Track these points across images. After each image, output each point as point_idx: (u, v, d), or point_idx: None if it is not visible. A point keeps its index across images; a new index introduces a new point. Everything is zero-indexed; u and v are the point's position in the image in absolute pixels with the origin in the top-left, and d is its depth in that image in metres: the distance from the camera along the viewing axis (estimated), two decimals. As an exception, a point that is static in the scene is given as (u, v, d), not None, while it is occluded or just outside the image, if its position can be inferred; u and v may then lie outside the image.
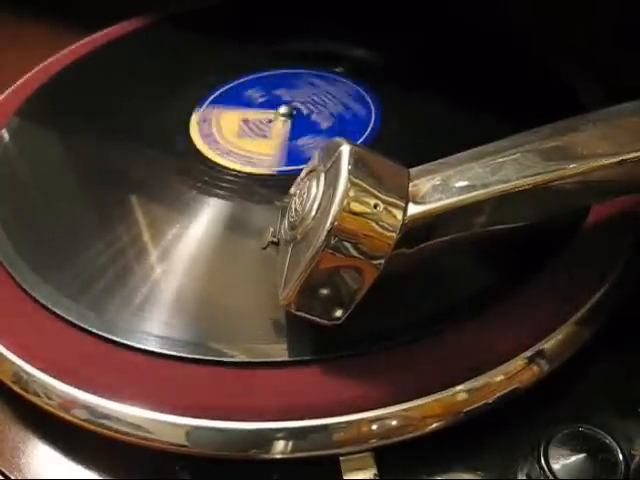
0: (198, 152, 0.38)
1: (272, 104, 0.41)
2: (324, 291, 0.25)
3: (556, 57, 0.43)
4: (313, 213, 0.26)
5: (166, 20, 0.51)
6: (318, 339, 0.27)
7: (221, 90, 0.42)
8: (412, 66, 0.44)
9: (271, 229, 0.29)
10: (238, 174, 0.36)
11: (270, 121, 0.40)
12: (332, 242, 0.24)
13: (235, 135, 0.39)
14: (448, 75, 0.42)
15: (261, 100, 0.41)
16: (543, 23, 0.44)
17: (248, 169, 0.36)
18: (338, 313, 0.26)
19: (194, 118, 0.40)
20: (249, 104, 0.41)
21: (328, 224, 0.24)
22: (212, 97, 0.42)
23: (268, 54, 0.46)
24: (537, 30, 0.44)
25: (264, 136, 0.39)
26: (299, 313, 0.26)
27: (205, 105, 0.41)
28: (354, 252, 0.25)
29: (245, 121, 0.40)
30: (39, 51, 0.47)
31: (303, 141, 0.38)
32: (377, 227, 0.25)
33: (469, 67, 0.43)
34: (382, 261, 0.25)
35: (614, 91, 0.36)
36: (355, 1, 0.51)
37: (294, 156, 0.37)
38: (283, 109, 0.40)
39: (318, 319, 0.26)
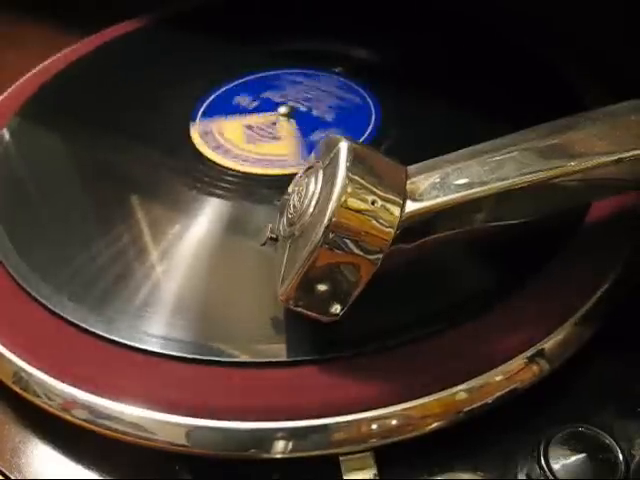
0: (210, 161, 0.37)
1: (266, 107, 0.40)
2: (322, 287, 0.25)
3: (556, 55, 0.43)
4: (311, 209, 0.26)
5: (166, 20, 0.51)
6: (318, 339, 0.27)
7: (209, 100, 0.41)
8: (410, 65, 0.44)
9: (270, 225, 0.29)
10: (263, 178, 0.35)
11: (274, 123, 0.39)
12: (330, 238, 0.24)
13: (245, 142, 0.38)
14: (447, 74, 0.42)
15: (254, 105, 0.41)
16: (544, 21, 0.44)
17: (271, 171, 0.36)
18: (336, 309, 0.26)
19: (194, 132, 0.39)
20: (244, 110, 0.40)
21: (326, 220, 0.24)
22: (202, 109, 0.41)
23: (261, 55, 0.46)
24: (538, 29, 0.44)
25: (274, 138, 0.38)
26: (297, 309, 0.26)
27: (199, 118, 0.40)
28: (352, 248, 0.25)
29: (249, 127, 0.39)
30: (39, 51, 0.47)
31: (316, 136, 0.38)
32: (375, 223, 0.25)
33: (469, 66, 0.43)
34: (379, 257, 0.25)
35: (616, 90, 0.36)
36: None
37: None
38: (283, 109, 0.40)
39: (316, 315, 0.26)
